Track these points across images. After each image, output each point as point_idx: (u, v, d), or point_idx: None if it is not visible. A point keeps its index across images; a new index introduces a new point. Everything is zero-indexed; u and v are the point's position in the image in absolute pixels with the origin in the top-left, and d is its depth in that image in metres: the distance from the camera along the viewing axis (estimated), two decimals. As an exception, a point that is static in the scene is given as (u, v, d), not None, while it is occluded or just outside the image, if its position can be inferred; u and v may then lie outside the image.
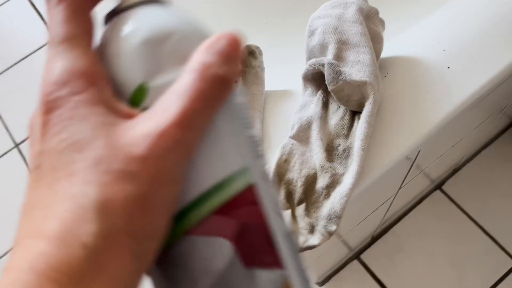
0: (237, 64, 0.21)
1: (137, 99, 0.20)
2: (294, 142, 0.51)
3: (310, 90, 0.54)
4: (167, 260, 0.20)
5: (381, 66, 0.55)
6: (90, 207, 0.17)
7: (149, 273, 0.21)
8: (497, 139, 1.26)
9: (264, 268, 0.20)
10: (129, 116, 0.19)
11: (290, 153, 0.51)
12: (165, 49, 0.20)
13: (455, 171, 1.23)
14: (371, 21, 0.52)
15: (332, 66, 0.49)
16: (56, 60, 0.19)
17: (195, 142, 0.19)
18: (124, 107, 0.20)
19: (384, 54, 0.56)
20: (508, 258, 1.12)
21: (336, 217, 0.47)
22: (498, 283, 1.10)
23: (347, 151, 0.50)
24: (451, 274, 1.12)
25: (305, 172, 0.49)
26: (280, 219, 0.21)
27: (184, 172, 0.19)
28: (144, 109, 0.20)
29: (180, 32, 0.21)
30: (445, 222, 1.18)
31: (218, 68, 0.20)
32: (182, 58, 0.20)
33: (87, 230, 0.17)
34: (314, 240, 0.47)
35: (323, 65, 0.50)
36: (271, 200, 0.21)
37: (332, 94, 0.51)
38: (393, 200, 0.84)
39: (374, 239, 1.18)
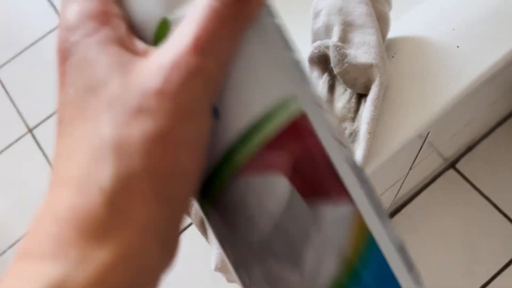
0: None
1: (161, 35, 0.18)
2: None
3: (316, 73, 0.53)
4: (223, 204, 0.18)
5: (388, 46, 0.54)
6: (106, 148, 0.16)
7: (208, 219, 0.19)
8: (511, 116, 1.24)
9: (330, 203, 0.18)
10: (147, 54, 0.18)
11: None
12: None
13: (469, 149, 1.22)
14: (377, 1, 0.51)
15: (338, 49, 0.49)
16: (68, 4, 0.18)
17: (218, 70, 0.17)
18: (141, 44, 0.18)
19: (391, 33, 0.55)
20: (522, 236, 1.12)
21: None
22: (511, 262, 1.10)
23: (354, 135, 0.49)
24: (464, 253, 1.12)
25: None
26: (343, 147, 0.19)
27: (209, 105, 0.17)
28: None
29: None
30: (458, 201, 1.17)
31: None
32: None
33: (103, 172, 0.16)
34: None
35: (328, 47, 0.49)
36: (327, 127, 0.18)
37: (338, 77, 0.50)
38: (403, 181, 0.84)
39: (386, 219, 1.17)
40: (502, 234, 1.12)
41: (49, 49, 1.52)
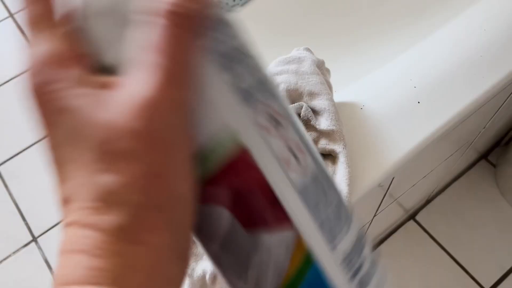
0: None
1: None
2: None
3: None
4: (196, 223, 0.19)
5: (357, 98, 0.59)
6: (106, 194, 0.16)
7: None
8: (467, 172, 1.32)
9: (268, 231, 0.19)
10: (109, 85, 0.18)
11: None
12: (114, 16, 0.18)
13: (428, 201, 1.28)
14: (321, 71, 0.56)
15: (308, 110, 0.53)
16: (32, 47, 0.19)
17: (187, 97, 0.17)
18: (100, 78, 0.18)
19: (360, 88, 0.60)
20: (476, 286, 1.16)
21: None
22: (468, 313, 1.14)
23: None
24: (424, 303, 1.15)
25: None
26: (288, 172, 0.19)
27: (187, 130, 0.18)
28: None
29: None
30: (418, 252, 1.22)
31: (182, 5, 0.18)
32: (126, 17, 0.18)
33: (115, 217, 0.16)
34: None
35: (299, 108, 0.54)
36: (271, 155, 0.18)
37: None
38: (367, 229, 0.88)
39: (350, 267, 1.20)
40: (458, 283, 1.17)
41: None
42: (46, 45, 0.18)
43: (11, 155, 1.41)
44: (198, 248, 0.52)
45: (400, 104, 0.58)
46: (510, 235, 1.22)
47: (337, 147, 0.52)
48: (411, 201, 1.13)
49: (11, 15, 1.64)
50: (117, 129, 0.16)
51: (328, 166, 0.54)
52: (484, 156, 1.34)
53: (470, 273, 1.18)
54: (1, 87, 1.54)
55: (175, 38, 0.17)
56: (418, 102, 0.58)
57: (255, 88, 0.19)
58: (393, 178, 0.65)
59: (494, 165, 1.32)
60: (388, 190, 0.70)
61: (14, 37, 1.60)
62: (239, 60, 0.19)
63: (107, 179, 0.16)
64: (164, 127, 0.17)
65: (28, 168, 1.39)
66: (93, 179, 0.17)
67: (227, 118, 0.18)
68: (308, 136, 0.20)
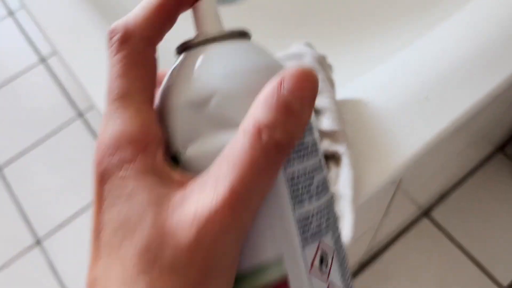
0: (306, 118, 0.17)
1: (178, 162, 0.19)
2: None
3: None
4: None
5: (361, 95, 0.56)
6: None
7: None
8: (483, 166, 1.27)
9: None
10: (181, 184, 0.18)
11: None
12: (209, 110, 0.18)
13: (442, 197, 1.24)
14: (322, 67, 0.53)
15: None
16: (108, 120, 0.18)
17: (250, 220, 0.17)
18: (175, 173, 0.18)
19: (364, 84, 0.57)
20: (495, 286, 1.12)
21: None
22: (486, 311, 1.10)
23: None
24: (439, 302, 1.11)
25: None
26: None
27: (237, 256, 0.17)
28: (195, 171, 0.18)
29: (230, 90, 0.18)
30: (432, 249, 1.18)
31: (274, 130, 0.17)
32: (222, 120, 0.18)
33: None
34: None
35: None
36: None
37: None
38: (377, 228, 0.84)
39: (362, 267, 1.17)
40: (476, 283, 1.13)
41: (23, 87, 1.51)
42: (129, 121, 0.18)
43: (14, 156, 1.40)
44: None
45: (407, 100, 0.55)
46: (529, 231, 1.17)
47: (339, 148, 0.49)
48: (424, 198, 1.09)
49: (11, 14, 1.63)
50: (167, 237, 0.16)
51: (331, 169, 0.51)
52: (500, 149, 1.29)
53: (487, 270, 1.14)
54: (5, 87, 1.53)
55: (264, 163, 0.17)
56: (426, 97, 0.54)
57: (322, 228, 0.19)
58: (400, 179, 0.61)
59: (511, 158, 1.27)
60: (398, 189, 0.67)
61: (16, 36, 1.59)
62: (309, 191, 0.19)
63: (140, 281, 0.16)
64: (220, 248, 0.16)
65: (31, 170, 1.38)
66: (126, 274, 0.16)
67: (282, 251, 0.18)
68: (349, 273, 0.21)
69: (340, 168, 0.50)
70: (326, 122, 0.50)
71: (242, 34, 0.20)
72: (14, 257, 1.25)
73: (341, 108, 0.52)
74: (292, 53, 0.53)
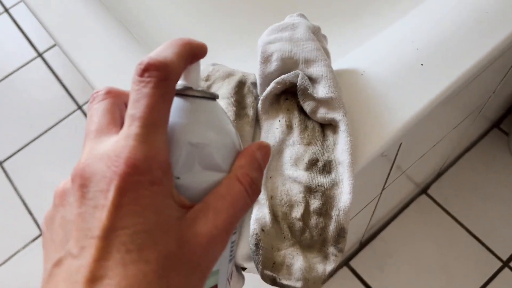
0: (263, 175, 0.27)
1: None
2: (270, 176, 0.51)
3: (269, 115, 0.54)
4: None
5: (358, 65, 0.56)
6: None
7: None
8: (479, 142, 1.28)
9: None
10: (186, 207, 0.23)
11: (273, 189, 0.50)
12: (203, 153, 0.24)
13: (439, 174, 1.25)
14: (317, 37, 0.53)
15: (305, 78, 0.51)
16: (139, 141, 0.22)
17: (226, 245, 0.24)
18: (181, 197, 0.23)
19: (359, 54, 0.57)
20: (495, 259, 1.13)
21: (344, 233, 0.47)
22: (486, 284, 1.11)
23: (328, 166, 0.50)
24: (440, 278, 1.13)
25: (294, 199, 0.49)
26: None
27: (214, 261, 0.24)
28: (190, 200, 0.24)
29: (218, 143, 0.25)
30: (431, 226, 1.19)
31: (259, 183, 0.26)
32: (213, 164, 0.25)
33: None
34: (330, 265, 0.47)
35: (295, 78, 0.51)
36: None
37: (303, 107, 0.51)
38: (377, 202, 0.85)
39: (362, 245, 1.18)
40: (476, 257, 1.14)
41: (19, 82, 1.51)
42: (159, 147, 0.22)
43: (15, 150, 1.40)
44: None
45: (403, 68, 0.55)
46: (526, 204, 1.18)
47: (336, 115, 0.50)
48: (422, 174, 1.10)
49: (6, 10, 1.62)
50: (186, 250, 0.22)
51: (328, 136, 0.51)
52: (496, 124, 1.30)
53: (487, 245, 1.15)
54: (1, 82, 1.53)
55: (245, 200, 0.25)
56: (422, 65, 0.55)
57: (234, 253, 0.31)
58: (400, 145, 0.62)
59: (507, 134, 1.28)
60: (395, 161, 0.68)
61: (12, 33, 1.58)
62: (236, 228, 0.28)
63: (161, 284, 0.21)
64: (216, 257, 0.23)
65: (32, 163, 1.38)
66: (146, 278, 0.21)
67: (219, 265, 0.27)
68: None
69: (337, 135, 0.51)
70: (322, 90, 0.50)
71: (217, 96, 0.28)
72: (19, 250, 1.25)
73: (338, 78, 0.52)
74: (285, 23, 0.54)
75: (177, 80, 0.24)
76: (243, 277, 0.53)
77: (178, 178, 0.24)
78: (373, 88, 0.54)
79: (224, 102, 0.53)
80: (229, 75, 0.56)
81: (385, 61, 0.56)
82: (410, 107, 0.52)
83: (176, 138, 0.24)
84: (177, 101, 0.25)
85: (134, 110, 0.22)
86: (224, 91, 0.54)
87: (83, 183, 0.22)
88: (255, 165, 0.26)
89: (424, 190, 1.24)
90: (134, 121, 0.22)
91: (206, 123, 0.25)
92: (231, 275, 0.29)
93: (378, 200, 0.84)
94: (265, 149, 0.27)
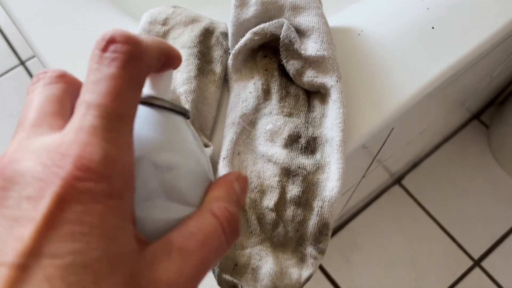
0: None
1: None
2: (238, 152, 0.40)
3: (241, 75, 0.42)
4: None
5: (355, 24, 0.45)
6: None
7: None
8: (458, 133, 1.21)
9: None
10: (143, 242, 0.18)
11: (241, 169, 0.39)
12: (169, 178, 0.19)
13: (415, 165, 1.17)
14: None
15: (291, 30, 0.39)
16: (96, 136, 0.16)
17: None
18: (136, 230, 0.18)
19: (358, 10, 0.47)
20: (466, 257, 1.07)
21: (327, 230, 0.37)
22: (456, 283, 1.05)
23: (312, 143, 0.39)
24: (408, 273, 1.06)
25: (267, 184, 0.38)
26: None
27: None
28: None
29: (184, 168, 0.20)
30: (403, 218, 1.12)
31: (237, 219, 0.20)
32: (179, 194, 0.20)
33: None
34: (307, 270, 0.36)
35: (278, 27, 0.40)
36: None
37: (286, 68, 0.40)
38: (353, 192, 0.76)
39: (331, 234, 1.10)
40: (447, 254, 1.08)
41: (4, 90, 1.34)
42: (124, 149, 0.17)
43: None
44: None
45: (409, 30, 0.45)
46: (501, 201, 1.12)
47: (328, 80, 0.39)
48: (397, 164, 1.02)
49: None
50: None
51: (315, 107, 0.41)
52: (476, 116, 1.23)
53: (459, 242, 1.09)
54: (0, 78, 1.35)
55: (220, 239, 0.19)
56: (432, 28, 0.45)
57: None
58: (391, 130, 0.52)
59: (486, 126, 1.22)
60: (383, 147, 0.58)
61: (8, 30, 1.40)
62: None
63: None
64: None
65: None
66: None
67: None
68: None
69: (326, 106, 0.40)
70: (312, 46, 0.39)
71: (188, 114, 0.23)
72: None
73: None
74: None
75: (150, 67, 0.19)
76: None
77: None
78: (371, 52, 0.44)
79: (184, 52, 0.41)
80: (193, 20, 0.44)
81: (388, 21, 0.46)
82: (415, 79, 0.42)
83: (136, 155, 0.19)
84: (141, 111, 0.20)
85: (91, 95, 0.17)
86: (185, 38, 0.42)
87: (3, 184, 0.16)
88: (234, 197, 0.21)
89: (398, 180, 1.16)
90: (90, 109, 0.17)
91: (175, 142, 0.20)
92: None
93: (354, 189, 0.75)
94: (244, 181, 0.22)
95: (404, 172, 1.16)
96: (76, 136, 0.16)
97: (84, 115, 0.17)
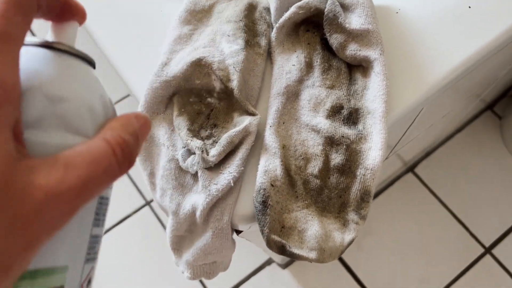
0: (140, 149, 0.22)
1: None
2: (283, 121, 0.41)
3: (284, 49, 0.44)
4: None
5: (393, 2, 0.47)
6: None
7: None
8: (471, 123, 1.22)
9: None
10: (27, 156, 0.18)
11: (286, 137, 0.40)
12: (61, 109, 0.20)
13: (428, 153, 1.18)
14: None
15: (335, 4, 0.41)
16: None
17: (71, 217, 0.18)
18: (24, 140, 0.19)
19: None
20: (478, 245, 1.09)
21: (369, 197, 0.38)
22: (466, 270, 1.06)
23: (355, 115, 0.40)
24: (419, 259, 1.07)
25: (311, 152, 0.39)
26: None
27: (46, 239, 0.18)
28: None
29: (77, 102, 0.21)
30: (415, 206, 1.13)
31: (134, 150, 0.21)
32: (71, 124, 0.21)
33: None
34: (350, 234, 0.38)
35: (324, 2, 0.41)
36: None
37: (329, 42, 0.42)
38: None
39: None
40: (458, 241, 1.09)
41: None
42: (4, 63, 0.18)
43: None
44: (186, 179, 0.40)
45: (446, 9, 0.46)
46: (513, 190, 1.14)
47: (372, 53, 0.40)
48: (411, 153, 1.03)
49: None
50: (13, 200, 0.17)
51: (357, 80, 0.42)
52: (489, 107, 1.24)
53: (470, 229, 1.10)
54: None
55: (110, 161, 0.20)
56: (469, 7, 0.46)
57: (97, 255, 0.23)
58: (421, 110, 0.54)
59: (499, 117, 1.23)
60: (411, 126, 0.59)
61: None
62: (104, 216, 0.23)
63: None
64: (50, 222, 0.18)
65: None
66: None
67: (68, 264, 0.21)
68: None
69: (368, 79, 0.41)
70: (357, 20, 0.41)
71: (93, 63, 0.24)
72: None
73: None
74: None
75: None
76: (234, 243, 0.43)
77: (25, 132, 0.19)
78: (409, 29, 0.45)
79: (231, 26, 0.42)
80: (237, -5, 0.45)
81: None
82: (451, 58, 0.44)
83: (29, 86, 0.20)
84: (40, 52, 0.21)
85: None
86: (230, 13, 0.44)
87: None
88: (130, 129, 0.21)
89: (411, 169, 1.17)
90: None
91: (71, 78, 0.21)
92: (89, 281, 0.23)
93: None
94: (144, 119, 0.22)
95: (417, 160, 1.17)
96: None
97: None
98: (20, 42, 0.19)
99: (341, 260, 1.08)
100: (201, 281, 1.07)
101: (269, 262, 1.09)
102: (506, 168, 1.17)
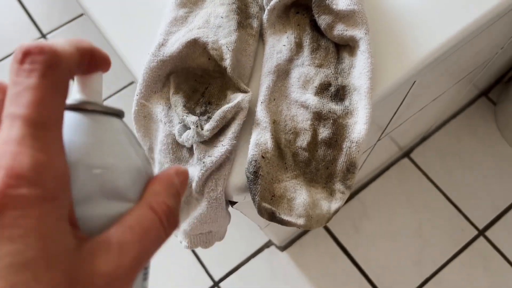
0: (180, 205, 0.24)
1: None
2: (274, 98, 0.43)
3: (275, 30, 0.46)
4: None
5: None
6: None
7: None
8: (466, 109, 1.25)
9: None
10: (83, 239, 0.19)
11: (276, 113, 0.43)
12: (104, 179, 0.20)
13: (423, 139, 1.21)
14: None
15: None
16: (24, 145, 0.17)
17: (130, 286, 0.19)
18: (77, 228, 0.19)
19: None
20: (471, 227, 1.11)
21: (354, 168, 0.41)
22: (460, 252, 1.09)
23: (341, 91, 0.43)
24: (414, 241, 1.10)
25: (300, 126, 0.42)
26: None
27: None
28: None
29: (120, 168, 0.21)
30: (411, 189, 1.16)
31: (177, 214, 0.21)
32: (116, 192, 0.21)
33: None
34: (336, 203, 0.40)
35: None
36: None
37: (317, 22, 0.44)
38: (368, 154, 0.79)
39: (339, 205, 1.14)
40: (452, 224, 1.12)
41: None
42: (53, 154, 0.18)
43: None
44: (183, 153, 0.43)
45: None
46: (506, 174, 1.16)
47: (357, 33, 0.43)
48: (407, 138, 1.06)
49: None
50: (79, 285, 0.17)
51: (344, 59, 0.44)
52: (484, 93, 1.26)
53: (464, 212, 1.13)
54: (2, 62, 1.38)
55: (158, 231, 0.20)
56: (452, -11, 0.48)
57: None
58: (413, 84, 0.56)
59: (494, 103, 1.25)
60: (403, 102, 0.61)
61: (15, 12, 1.43)
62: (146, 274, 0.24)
63: None
64: None
65: None
66: None
67: None
68: None
69: (354, 57, 0.44)
70: (343, 1, 0.43)
71: (122, 114, 0.23)
72: None
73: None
74: None
75: (71, 71, 0.19)
76: (228, 214, 0.46)
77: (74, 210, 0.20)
78: (394, 9, 0.47)
79: (225, 9, 0.45)
80: (230, -21, 0.47)
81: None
82: (439, 32, 0.46)
83: (71, 162, 0.19)
84: (72, 117, 0.21)
85: (15, 108, 0.17)
86: (224, -5, 0.46)
87: None
88: (172, 191, 0.22)
89: (406, 154, 1.20)
90: (15, 122, 0.17)
91: (109, 144, 0.21)
92: None
93: (369, 153, 0.79)
94: (184, 175, 0.23)
95: (413, 145, 1.19)
96: (5, 148, 0.17)
97: (11, 127, 0.17)
98: (61, 124, 0.19)
99: (338, 242, 1.10)
100: (202, 264, 1.10)
101: (267, 244, 1.12)
102: (500, 153, 1.19)
